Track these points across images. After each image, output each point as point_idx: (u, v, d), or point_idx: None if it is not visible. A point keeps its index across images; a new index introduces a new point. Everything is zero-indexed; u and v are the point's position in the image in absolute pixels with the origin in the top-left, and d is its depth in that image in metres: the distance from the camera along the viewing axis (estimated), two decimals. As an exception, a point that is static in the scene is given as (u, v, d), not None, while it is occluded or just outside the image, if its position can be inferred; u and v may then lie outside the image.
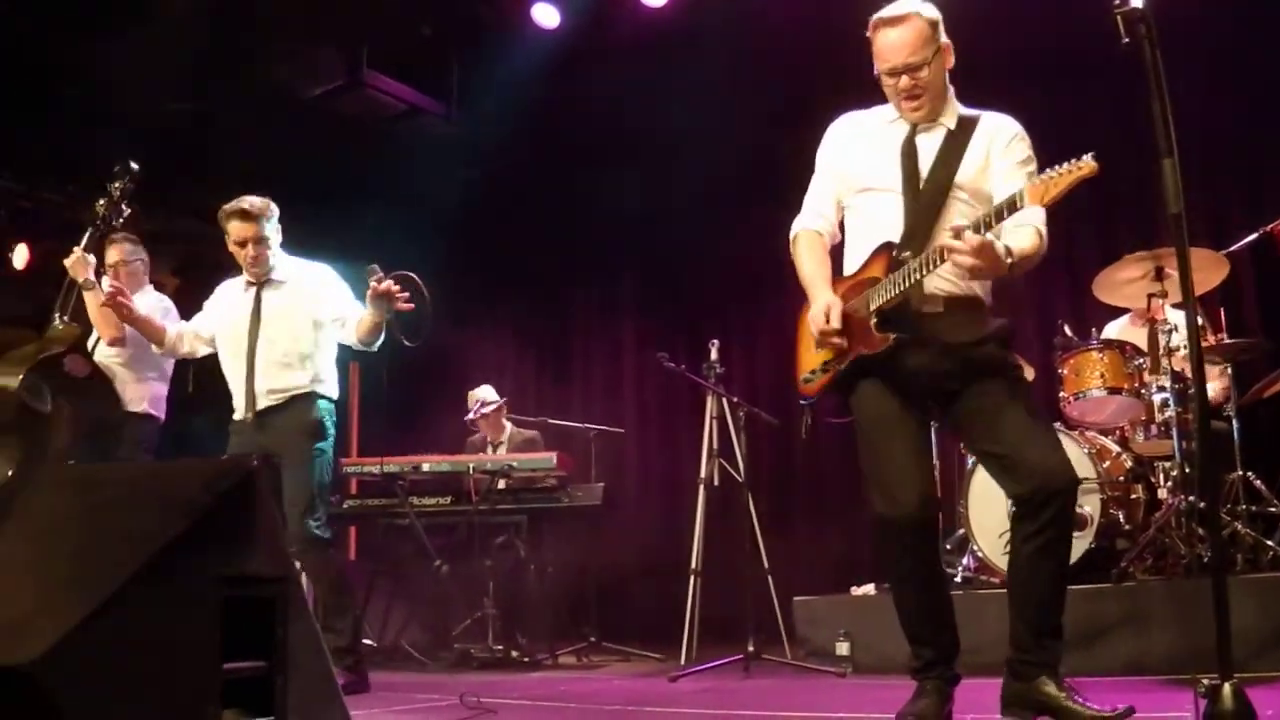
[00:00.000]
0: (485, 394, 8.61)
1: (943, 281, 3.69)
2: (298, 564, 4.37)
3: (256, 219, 5.70)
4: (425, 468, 7.54)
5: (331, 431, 5.71)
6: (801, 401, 4.09)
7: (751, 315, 9.63)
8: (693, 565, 7.00)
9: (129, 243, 6.74)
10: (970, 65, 3.98)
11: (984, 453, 3.88)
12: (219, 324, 5.93)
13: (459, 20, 9.21)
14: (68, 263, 5.97)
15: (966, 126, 3.85)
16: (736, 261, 9.67)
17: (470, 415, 8.54)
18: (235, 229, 5.72)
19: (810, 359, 3.98)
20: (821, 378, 3.94)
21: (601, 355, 10.44)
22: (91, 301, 6.09)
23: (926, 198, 3.75)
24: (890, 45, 3.88)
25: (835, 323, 3.75)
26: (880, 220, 3.82)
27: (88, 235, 6.01)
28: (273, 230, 5.78)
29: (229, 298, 5.95)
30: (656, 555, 8.61)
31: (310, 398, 5.66)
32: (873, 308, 3.70)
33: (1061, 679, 3.49)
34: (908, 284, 3.61)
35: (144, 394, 6.53)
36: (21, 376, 5.39)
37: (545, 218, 10.18)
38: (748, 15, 8.41)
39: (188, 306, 6.48)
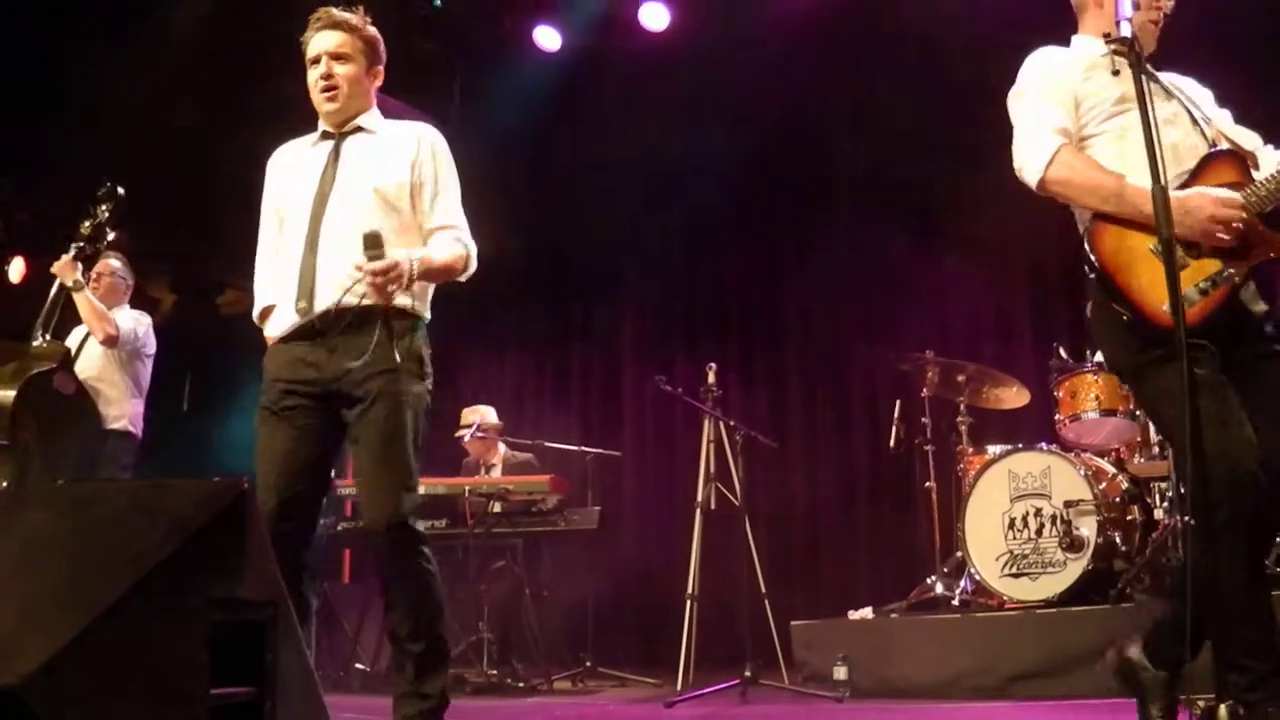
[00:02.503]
0: (485, 415, 8.58)
1: None
2: (389, 560, 3.72)
3: (350, 29, 4.08)
4: (420, 489, 7.50)
5: (430, 373, 3.97)
6: (1174, 334, 3.00)
7: (749, 338, 9.64)
8: (689, 590, 6.97)
9: (116, 259, 6.83)
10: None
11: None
12: (281, 200, 4.11)
13: (461, 40, 9.25)
14: (55, 267, 6.05)
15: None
16: (734, 285, 9.70)
17: (464, 435, 8.47)
18: (314, 44, 4.09)
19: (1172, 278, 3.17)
20: (1213, 293, 3.31)
21: (598, 378, 10.44)
22: (82, 303, 6.18)
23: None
24: None
25: (1236, 203, 3.30)
26: (1161, 134, 3.26)
27: (73, 251, 6.07)
28: (372, 65, 4.14)
29: (289, 165, 4.17)
30: (653, 579, 8.59)
31: (407, 318, 3.88)
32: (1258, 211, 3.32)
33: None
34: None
35: (124, 411, 6.60)
36: (16, 391, 5.42)
37: (543, 238, 10.19)
38: (749, 41, 8.45)
39: (183, 324, 6.50)
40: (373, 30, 4.13)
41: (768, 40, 8.49)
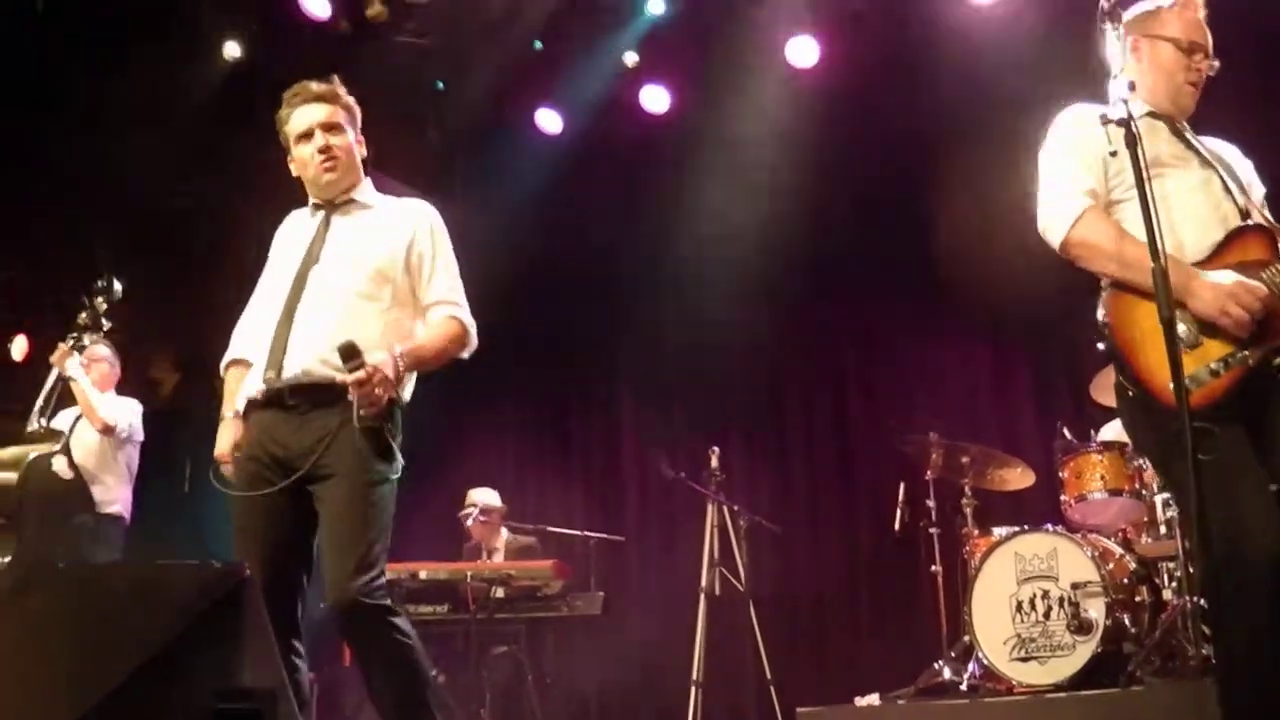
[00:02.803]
0: (487, 498, 8.54)
1: None
2: (352, 640, 3.66)
3: (333, 100, 4.04)
4: (422, 575, 7.46)
5: (398, 455, 3.79)
6: (1183, 413, 3.01)
7: (752, 422, 9.61)
8: (694, 676, 6.92)
9: (104, 347, 6.96)
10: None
11: None
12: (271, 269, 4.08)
13: (463, 123, 9.33)
14: (53, 358, 6.30)
15: None
16: (737, 368, 9.69)
17: (466, 517, 8.43)
18: (300, 118, 4.01)
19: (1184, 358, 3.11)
20: (1224, 375, 3.23)
21: (601, 462, 10.39)
22: (80, 394, 6.46)
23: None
24: (1199, 25, 3.62)
25: (1263, 293, 3.22)
26: (1191, 202, 3.43)
27: (70, 342, 6.28)
28: (356, 132, 4.12)
29: (288, 235, 4.15)
30: (657, 665, 8.48)
31: None
32: None
33: None
34: None
35: (116, 496, 6.80)
36: (19, 475, 5.51)
37: (546, 320, 10.20)
38: (751, 125, 8.52)
39: (185, 405, 6.55)
40: (351, 98, 4.11)
41: (768, 123, 8.56)
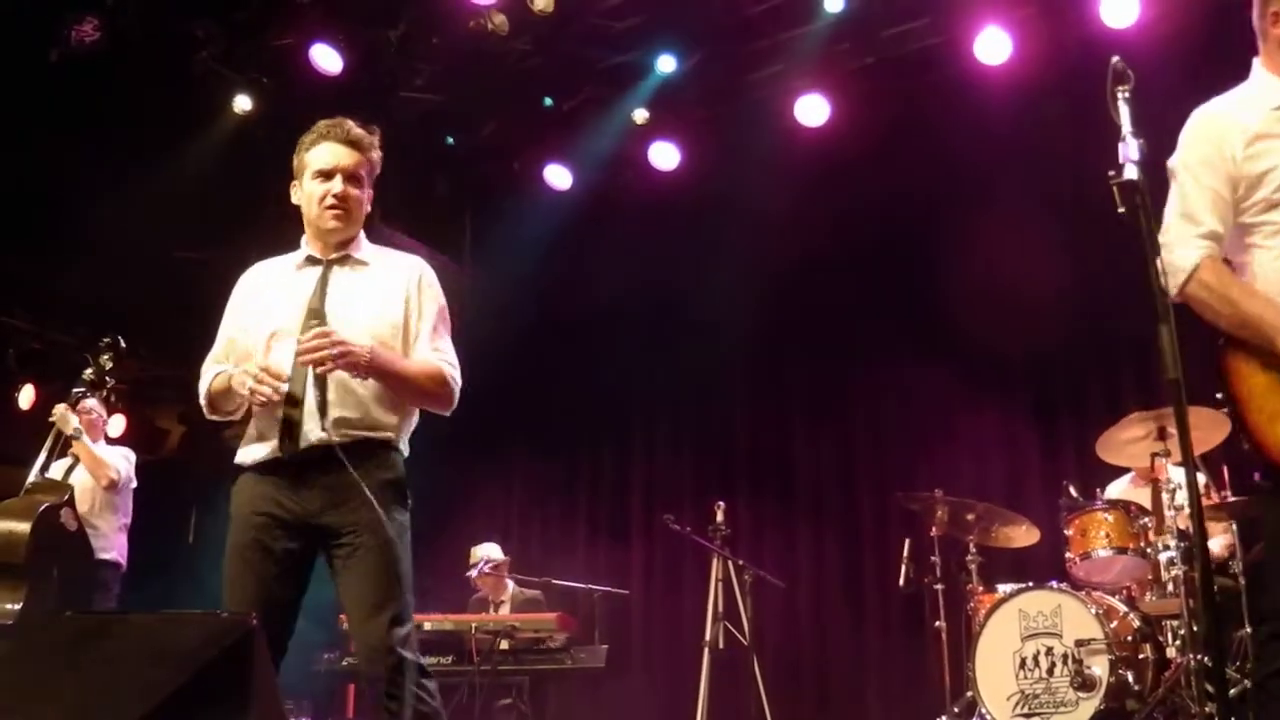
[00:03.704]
0: (489, 551, 8.55)
1: None
2: (390, 694, 3.51)
3: (364, 148, 3.94)
4: (427, 626, 7.44)
5: (409, 503, 3.87)
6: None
7: (758, 477, 9.62)
8: (697, 730, 6.89)
9: (92, 399, 7.02)
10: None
11: None
12: (249, 318, 3.95)
13: (473, 179, 9.41)
14: (54, 418, 6.46)
15: None
16: (742, 423, 9.72)
17: (472, 573, 8.46)
18: (326, 154, 3.90)
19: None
20: None
21: (606, 516, 10.39)
22: (82, 452, 6.64)
23: None
24: None
25: None
26: None
27: (72, 397, 6.52)
28: (370, 184, 4.00)
29: (268, 284, 4.01)
30: (660, 719, 8.46)
31: (386, 449, 3.81)
32: None
33: None
34: None
35: (112, 543, 6.95)
36: (31, 524, 5.59)
37: (553, 376, 10.24)
38: (760, 183, 8.58)
39: (190, 456, 6.62)
40: (379, 154, 4.01)
41: (777, 182, 8.63)
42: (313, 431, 3.65)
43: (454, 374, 3.86)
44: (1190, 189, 3.36)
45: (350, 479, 3.58)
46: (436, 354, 3.84)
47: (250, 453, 3.79)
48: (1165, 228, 3.37)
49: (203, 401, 3.98)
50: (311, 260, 3.91)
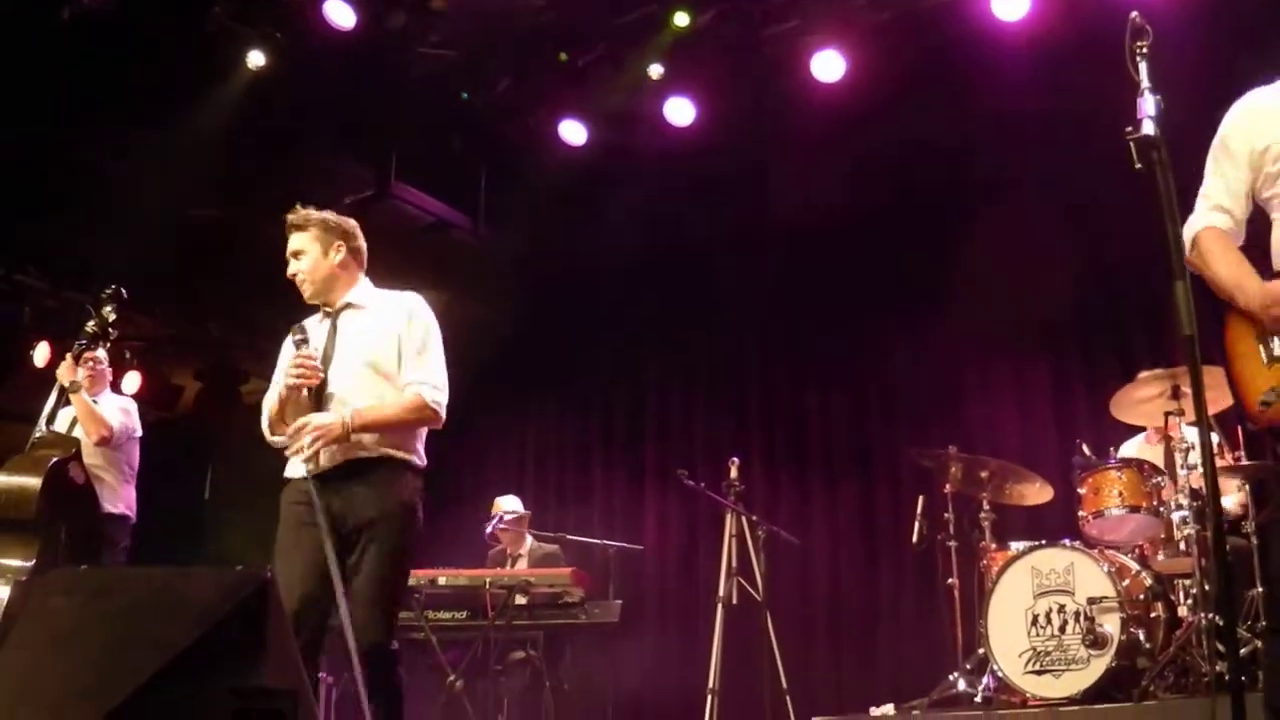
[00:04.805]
0: (509, 504, 8.58)
1: None
2: (373, 679, 4.21)
3: (301, 227, 4.69)
4: (442, 581, 7.48)
5: (419, 514, 4.57)
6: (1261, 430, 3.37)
7: (772, 433, 9.64)
8: (710, 684, 6.93)
9: (99, 349, 7.01)
10: None
11: None
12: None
13: (488, 135, 9.38)
14: (59, 372, 6.47)
15: None
16: (758, 380, 9.72)
17: (490, 528, 8.49)
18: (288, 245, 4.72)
19: (1264, 376, 3.32)
20: None
21: (622, 472, 10.43)
22: (79, 405, 6.56)
23: None
24: None
25: None
26: None
27: (75, 349, 6.47)
28: (329, 245, 4.67)
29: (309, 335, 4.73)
30: (674, 674, 8.52)
31: (398, 465, 4.52)
32: None
33: None
34: None
35: (119, 496, 6.93)
36: (42, 478, 5.59)
37: (568, 332, 10.25)
38: (775, 139, 8.53)
39: (206, 412, 6.62)
40: (320, 215, 4.71)
41: (793, 138, 8.59)
42: (331, 452, 4.41)
43: (434, 396, 4.52)
44: (1212, 171, 3.54)
45: (364, 491, 4.39)
46: (418, 377, 4.52)
47: (289, 468, 4.52)
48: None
49: (266, 431, 4.65)
50: (326, 313, 4.72)
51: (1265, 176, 3.47)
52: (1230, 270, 3.39)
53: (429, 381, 4.53)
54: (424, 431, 4.64)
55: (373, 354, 4.54)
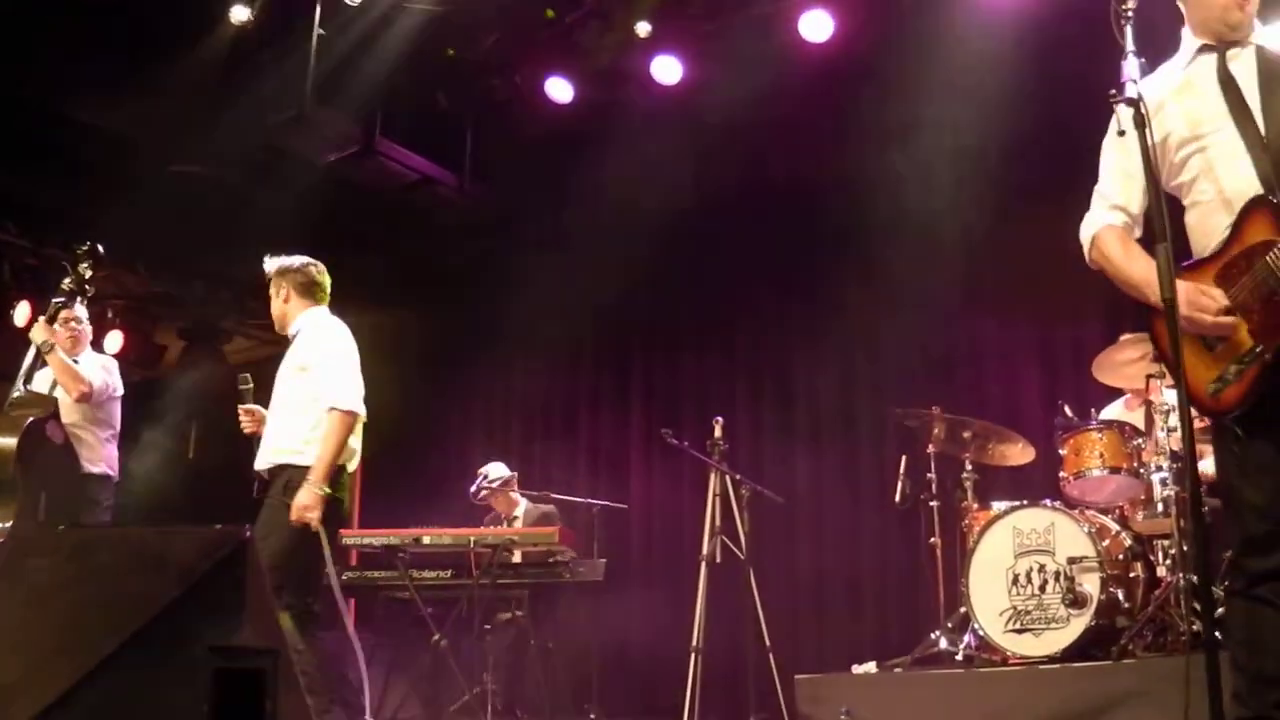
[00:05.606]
0: (494, 470, 8.59)
1: None
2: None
3: (268, 278, 5.83)
4: (426, 540, 7.47)
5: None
6: (1221, 418, 3.32)
7: (756, 392, 9.65)
8: (694, 643, 6.97)
9: (79, 307, 7.00)
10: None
11: None
12: None
13: (473, 92, 9.32)
14: (32, 332, 6.44)
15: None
16: (742, 338, 9.72)
17: (474, 490, 8.50)
18: None
19: (1207, 364, 3.29)
20: (1246, 373, 3.22)
21: (606, 430, 10.44)
22: (55, 364, 6.50)
23: (1276, 132, 3.28)
24: None
25: (1222, 300, 3.23)
26: (1229, 174, 3.32)
27: (51, 308, 6.44)
28: (286, 285, 5.79)
29: None
30: (658, 632, 8.55)
31: (301, 472, 5.41)
32: None
33: None
34: None
35: (100, 455, 6.83)
36: (19, 439, 5.58)
37: (552, 291, 10.23)
38: (762, 98, 8.49)
39: (190, 372, 6.63)
40: (274, 266, 5.80)
41: (780, 98, 8.55)
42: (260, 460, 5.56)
43: (343, 403, 5.39)
44: (1103, 167, 3.59)
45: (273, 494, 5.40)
46: (326, 398, 5.40)
47: None
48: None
49: None
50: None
51: (1170, 166, 3.46)
52: (1142, 271, 3.35)
53: (334, 394, 5.42)
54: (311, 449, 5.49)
55: (294, 375, 5.58)
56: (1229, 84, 3.39)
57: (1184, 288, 3.21)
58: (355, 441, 5.54)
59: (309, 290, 5.79)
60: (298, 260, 5.82)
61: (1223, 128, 3.35)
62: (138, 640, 2.36)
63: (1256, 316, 3.20)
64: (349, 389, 5.46)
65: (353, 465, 5.58)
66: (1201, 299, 3.25)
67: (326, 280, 5.87)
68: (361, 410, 5.50)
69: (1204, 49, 3.49)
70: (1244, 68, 3.40)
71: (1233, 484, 3.30)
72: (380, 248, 9.48)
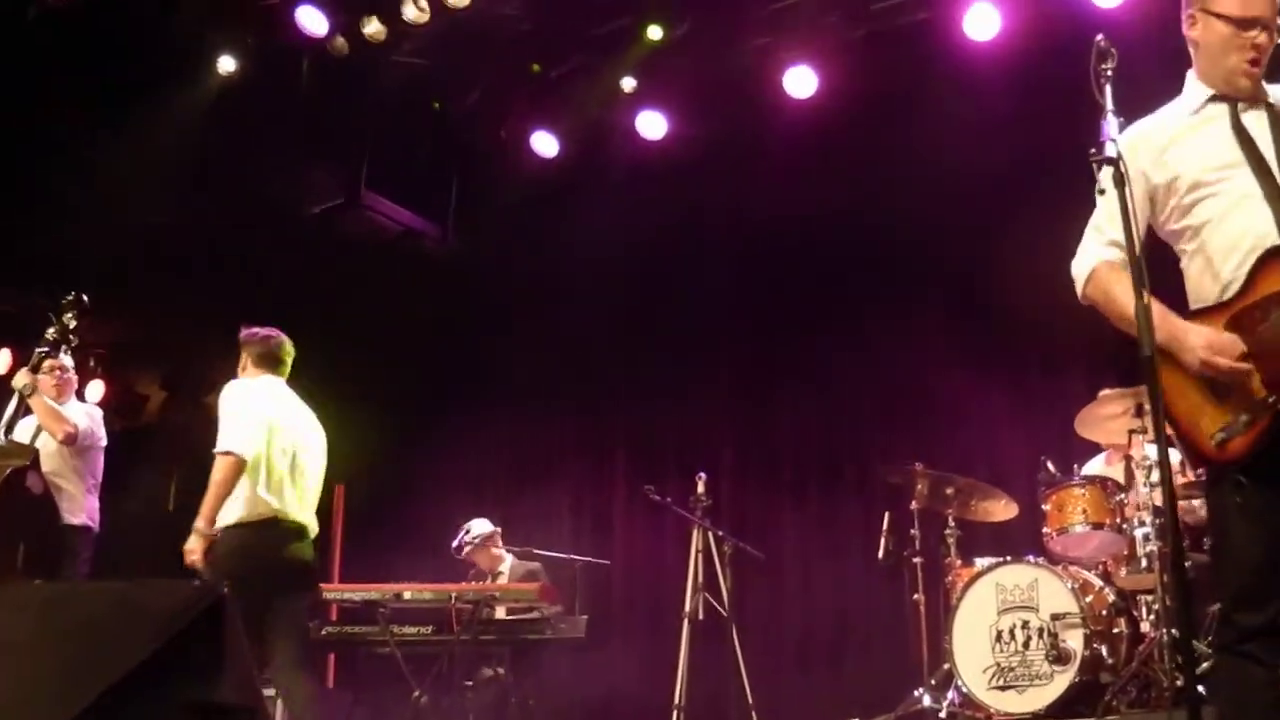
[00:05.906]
0: (477, 526, 8.52)
1: None
2: None
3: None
4: (407, 595, 7.39)
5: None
6: (1224, 468, 3.23)
7: (740, 449, 9.62)
8: (676, 700, 6.92)
9: (65, 356, 6.96)
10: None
11: None
12: None
13: (459, 145, 9.36)
14: (15, 381, 6.42)
15: None
16: (726, 395, 9.71)
17: (456, 545, 8.42)
18: None
19: (1214, 413, 3.23)
20: (1256, 424, 3.15)
21: (589, 486, 10.40)
22: (38, 407, 6.48)
23: None
24: None
25: (1241, 346, 3.16)
26: (1233, 227, 3.30)
27: (35, 357, 6.43)
28: (245, 354, 5.94)
29: None
30: (640, 689, 8.47)
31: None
32: None
33: None
34: None
35: (81, 506, 6.74)
36: None
37: (536, 344, 10.22)
38: (747, 154, 8.54)
39: (170, 421, 6.60)
40: (241, 334, 5.92)
41: (764, 153, 8.60)
42: None
43: (227, 447, 5.44)
44: (1101, 203, 3.44)
45: None
46: (219, 445, 5.47)
47: None
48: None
49: None
50: None
51: (1174, 209, 3.41)
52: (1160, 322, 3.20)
53: (224, 440, 5.47)
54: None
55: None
56: (1243, 134, 3.38)
57: (1204, 330, 3.22)
58: (291, 493, 5.67)
59: (265, 361, 5.90)
60: (262, 332, 5.93)
61: (1238, 176, 3.32)
62: (113, 694, 2.33)
63: (1270, 367, 3.16)
64: (232, 434, 5.48)
65: (302, 517, 5.71)
66: (1222, 341, 3.20)
67: (288, 354, 5.95)
68: (242, 452, 5.48)
69: (1215, 98, 3.48)
70: (1256, 120, 3.39)
71: (1229, 534, 3.26)
72: (365, 299, 9.46)
